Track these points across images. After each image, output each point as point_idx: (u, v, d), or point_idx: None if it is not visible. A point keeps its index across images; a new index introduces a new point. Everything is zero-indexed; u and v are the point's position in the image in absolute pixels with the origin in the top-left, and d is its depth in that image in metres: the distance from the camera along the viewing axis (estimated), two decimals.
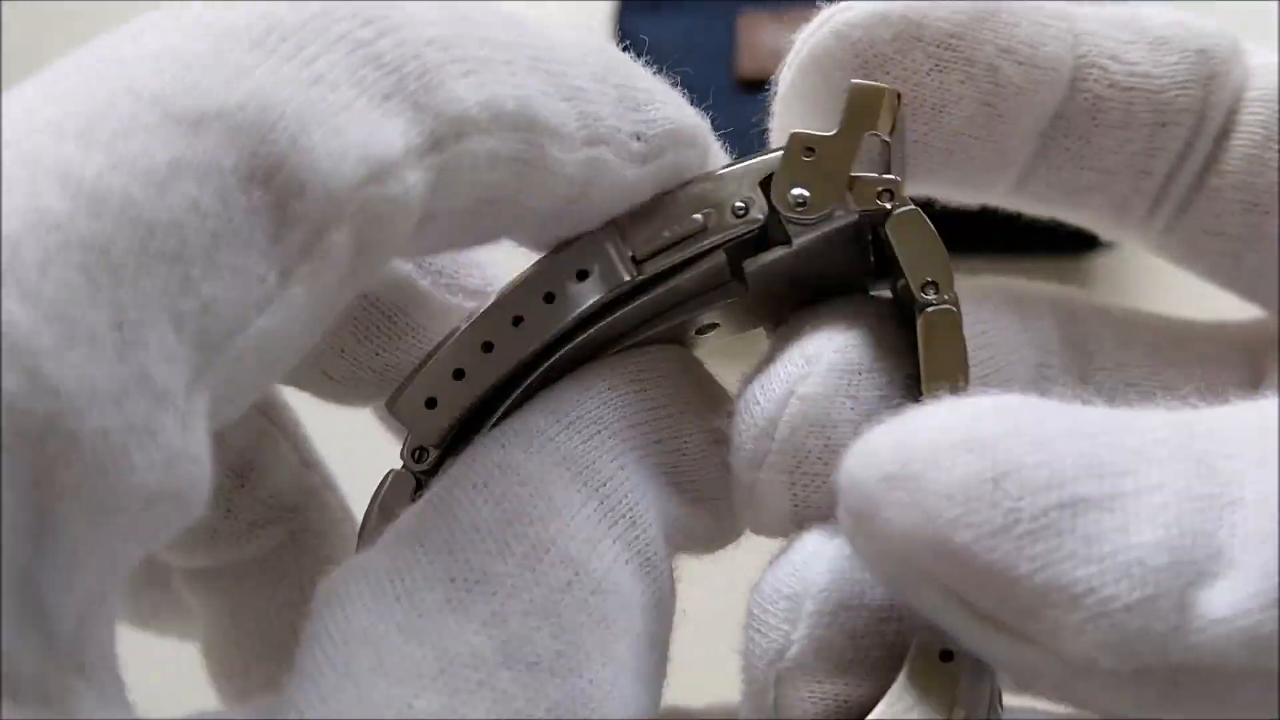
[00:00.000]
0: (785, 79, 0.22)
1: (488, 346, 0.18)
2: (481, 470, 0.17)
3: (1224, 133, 0.21)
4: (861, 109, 0.19)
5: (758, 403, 0.18)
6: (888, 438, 0.15)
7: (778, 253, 0.19)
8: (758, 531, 0.19)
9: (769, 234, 0.19)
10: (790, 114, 0.21)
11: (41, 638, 0.12)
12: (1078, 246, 0.49)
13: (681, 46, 0.55)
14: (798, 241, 0.18)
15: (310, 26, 0.14)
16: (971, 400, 0.16)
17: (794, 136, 0.19)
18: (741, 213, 0.18)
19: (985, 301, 0.21)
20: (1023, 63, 0.20)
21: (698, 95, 0.62)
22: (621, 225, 0.18)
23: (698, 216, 0.18)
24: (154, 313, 0.12)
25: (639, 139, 0.18)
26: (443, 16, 0.15)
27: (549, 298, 0.18)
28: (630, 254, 0.18)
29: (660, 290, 0.19)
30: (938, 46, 0.20)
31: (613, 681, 0.16)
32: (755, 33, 0.55)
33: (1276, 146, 0.20)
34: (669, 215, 0.18)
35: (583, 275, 0.18)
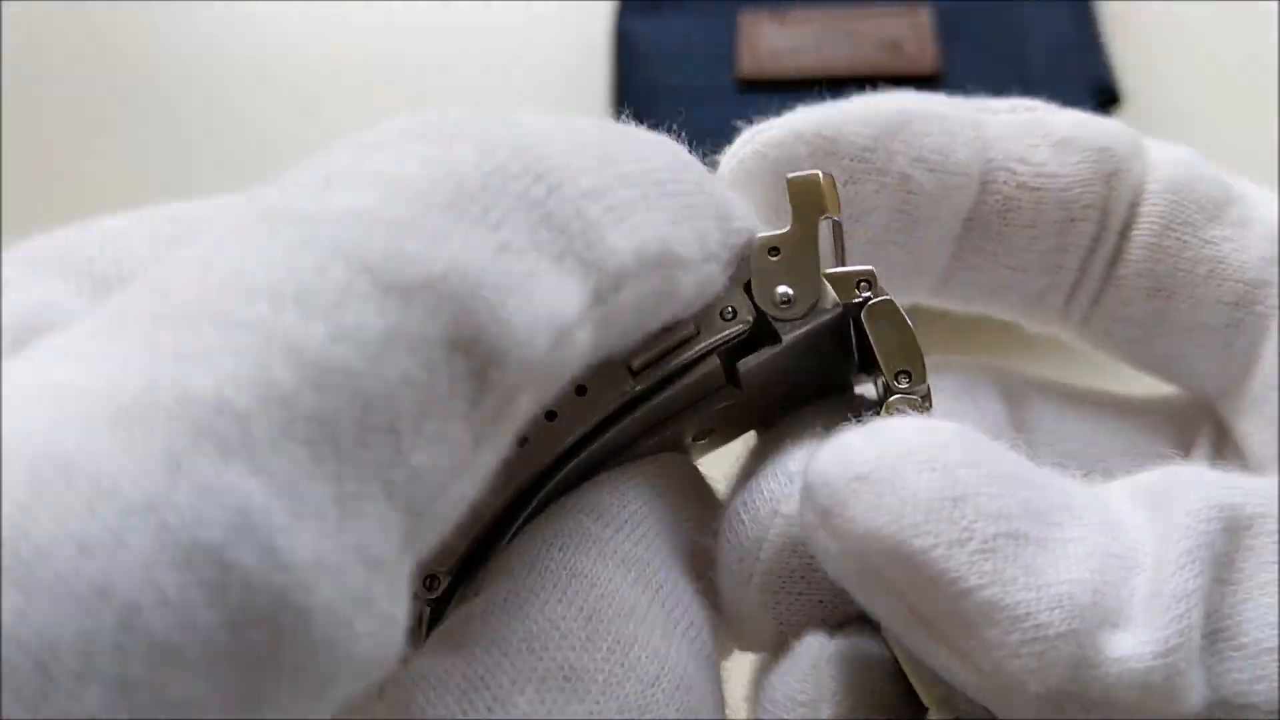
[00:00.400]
0: (726, 180, 0.23)
1: (580, 390, 0.18)
2: (548, 571, 0.17)
3: (1127, 225, 0.22)
4: (806, 199, 0.19)
5: (742, 522, 0.18)
6: (860, 442, 0.16)
7: (767, 352, 0.19)
8: (742, 648, 0.19)
9: (757, 336, 0.19)
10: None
11: None
12: None
13: (681, 46, 0.55)
14: (787, 339, 0.19)
15: (491, 187, 0.14)
16: (939, 423, 0.17)
17: (758, 241, 0.19)
18: (730, 316, 0.19)
19: (942, 392, 0.22)
20: (934, 170, 0.21)
21: (698, 95, 0.62)
22: None
23: (689, 324, 0.18)
24: (370, 484, 0.13)
25: (728, 248, 0.19)
26: (590, 160, 0.16)
27: (550, 415, 0.18)
28: (626, 365, 0.18)
29: (658, 400, 0.19)
30: (851, 160, 0.21)
31: None
32: (755, 33, 0.55)
33: (1174, 234, 0.21)
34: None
35: (581, 390, 0.18)
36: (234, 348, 0.12)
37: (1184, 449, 0.22)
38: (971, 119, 0.22)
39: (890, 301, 0.19)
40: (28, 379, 0.12)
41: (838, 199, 0.20)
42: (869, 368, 0.20)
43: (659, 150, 0.18)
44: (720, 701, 0.18)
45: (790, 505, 0.18)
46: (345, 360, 0.12)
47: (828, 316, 0.19)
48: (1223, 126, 0.55)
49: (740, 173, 0.22)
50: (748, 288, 0.19)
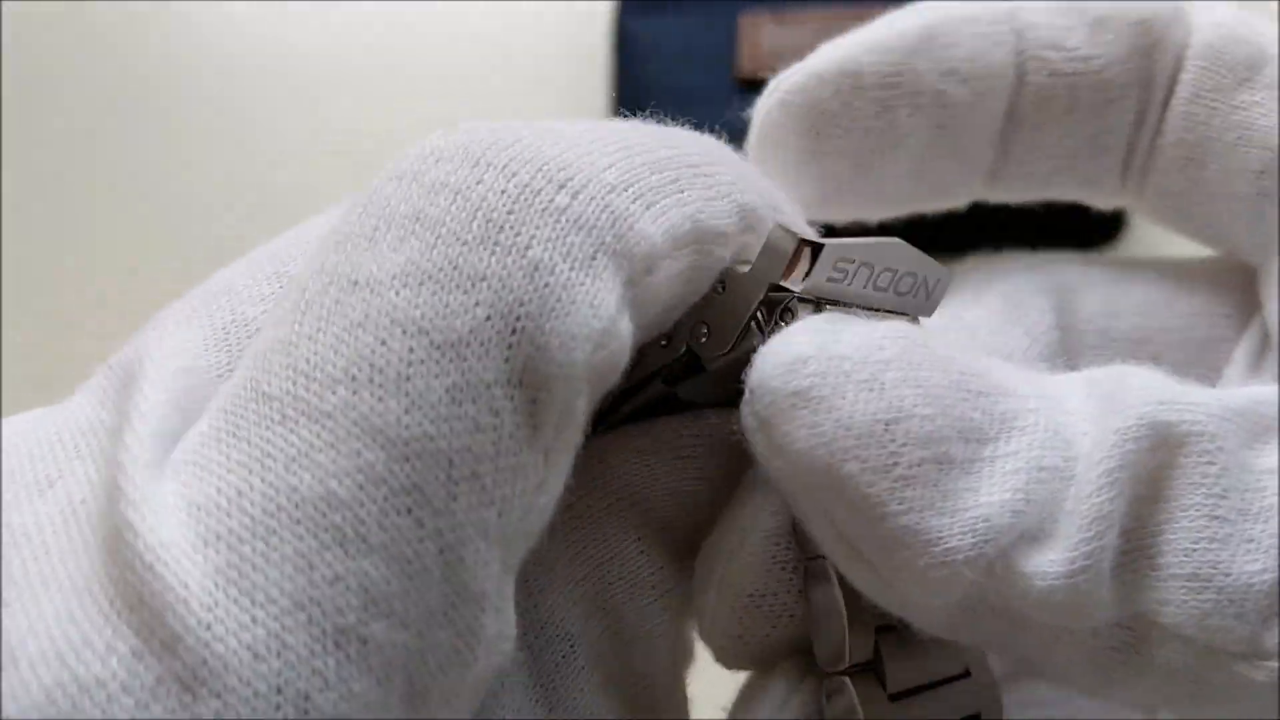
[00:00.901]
0: (749, 151, 0.23)
1: None
2: None
3: (1168, 95, 0.22)
4: (774, 254, 0.18)
5: (703, 564, 0.19)
6: (806, 350, 0.16)
7: (700, 377, 0.19)
8: (719, 660, 0.20)
9: (692, 359, 0.19)
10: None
11: None
12: (1084, 242, 0.49)
13: (681, 46, 0.55)
14: (711, 367, 0.19)
15: (518, 209, 0.15)
16: (887, 334, 0.17)
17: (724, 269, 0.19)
18: (664, 344, 0.19)
19: (979, 302, 0.22)
20: (967, 79, 0.21)
21: (698, 95, 0.62)
22: None
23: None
24: (466, 530, 0.14)
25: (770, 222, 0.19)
26: (612, 154, 0.16)
27: None
28: None
29: (611, 421, 0.19)
30: (880, 89, 0.21)
31: None
32: (755, 33, 0.55)
33: (1204, 101, 0.21)
34: None
35: None
36: (327, 440, 0.14)
37: (1244, 320, 0.22)
38: (1006, 10, 0.21)
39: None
40: (169, 501, 0.14)
41: (807, 271, 0.18)
42: None
43: (694, 138, 0.18)
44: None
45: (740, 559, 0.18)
46: (421, 427, 0.14)
47: (749, 348, 0.18)
48: None
49: (768, 125, 0.22)
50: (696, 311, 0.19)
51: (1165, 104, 0.21)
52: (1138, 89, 0.21)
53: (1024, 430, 0.17)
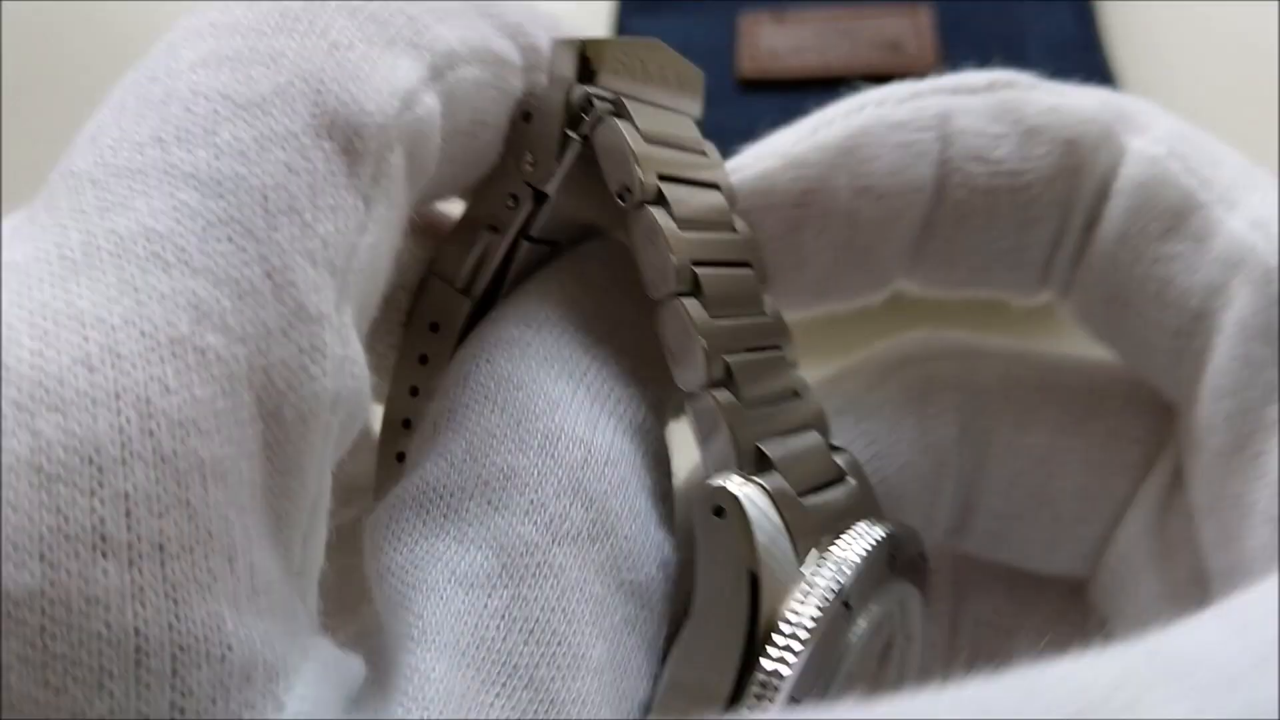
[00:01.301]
0: None
1: (434, 327, 0.20)
2: (479, 384, 0.18)
3: (1091, 222, 0.21)
4: (561, 60, 0.20)
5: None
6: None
7: (551, 208, 0.19)
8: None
9: (539, 199, 0.20)
10: None
11: (282, 554, 0.15)
12: None
13: (681, 46, 0.55)
14: (553, 191, 0.19)
15: (314, 7, 0.17)
16: None
17: (516, 104, 0.19)
18: (511, 205, 0.19)
19: (881, 411, 0.21)
20: (883, 196, 0.20)
21: None
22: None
23: (484, 229, 0.20)
24: (292, 256, 0.15)
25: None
26: None
27: (423, 359, 0.20)
28: (455, 289, 0.20)
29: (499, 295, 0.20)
30: (790, 208, 0.20)
31: (642, 530, 0.17)
32: (755, 33, 0.55)
33: (1129, 245, 0.20)
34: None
35: (434, 327, 0.20)
36: (140, 189, 0.15)
37: (1155, 446, 0.21)
38: (937, 114, 0.21)
39: (611, 123, 0.19)
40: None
41: (612, 58, 0.20)
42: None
43: None
44: (658, 460, 0.19)
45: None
46: (232, 168, 0.15)
47: (572, 157, 0.19)
48: (1223, 126, 0.55)
49: None
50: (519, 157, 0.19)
51: (1087, 230, 0.20)
52: (1058, 209, 0.20)
53: None
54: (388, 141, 0.16)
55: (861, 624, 0.17)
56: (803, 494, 0.18)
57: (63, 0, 0.63)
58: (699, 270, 0.18)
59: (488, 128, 0.19)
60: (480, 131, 0.19)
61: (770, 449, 0.18)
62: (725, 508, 0.17)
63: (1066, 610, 0.23)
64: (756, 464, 0.18)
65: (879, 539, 0.18)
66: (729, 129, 0.62)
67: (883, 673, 0.19)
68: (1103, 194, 0.20)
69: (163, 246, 0.14)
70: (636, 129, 0.19)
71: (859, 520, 0.18)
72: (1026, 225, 0.21)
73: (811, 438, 0.19)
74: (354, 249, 0.16)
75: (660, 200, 0.19)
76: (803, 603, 0.16)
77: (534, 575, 0.16)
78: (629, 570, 0.17)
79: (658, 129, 0.20)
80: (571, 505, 0.17)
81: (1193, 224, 0.20)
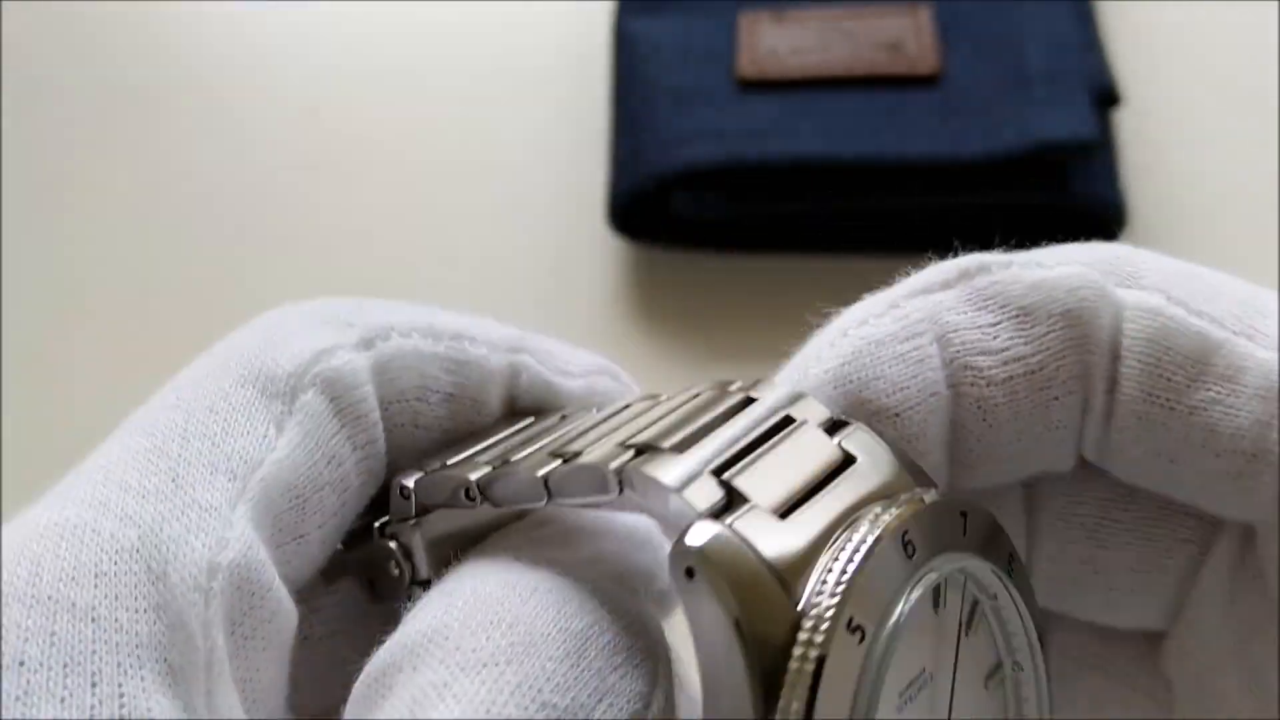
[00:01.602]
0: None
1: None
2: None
3: (1112, 383, 0.20)
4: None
5: None
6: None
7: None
8: None
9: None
10: None
11: (181, 702, 0.16)
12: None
13: (681, 46, 0.55)
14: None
15: (280, 311, 0.21)
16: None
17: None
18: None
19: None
20: (899, 414, 0.19)
21: (698, 95, 0.62)
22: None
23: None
24: (195, 466, 0.18)
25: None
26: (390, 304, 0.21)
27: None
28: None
29: None
30: None
31: None
32: (755, 32, 0.55)
33: (1158, 402, 0.19)
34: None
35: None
36: (110, 440, 0.19)
37: (1208, 538, 0.21)
38: (923, 317, 0.20)
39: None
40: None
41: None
42: None
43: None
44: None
45: None
46: (169, 418, 0.19)
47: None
48: (1223, 126, 0.55)
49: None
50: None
51: (1110, 394, 0.20)
52: (1079, 383, 0.19)
53: None
54: (299, 384, 0.19)
55: (901, 610, 0.16)
56: (788, 511, 0.16)
57: (63, 0, 0.63)
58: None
59: (461, 400, 0.21)
60: (434, 401, 0.21)
61: (739, 479, 0.16)
62: (693, 567, 0.15)
63: (1147, 655, 0.22)
64: (725, 503, 0.16)
65: (888, 525, 0.16)
66: (729, 129, 0.62)
67: (974, 635, 0.18)
68: (1115, 356, 0.20)
69: (106, 474, 0.18)
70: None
71: (877, 504, 0.17)
72: (1050, 405, 0.20)
73: (799, 436, 0.18)
74: (260, 462, 0.18)
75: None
76: (808, 635, 0.15)
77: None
78: None
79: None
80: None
81: (1218, 365, 0.19)
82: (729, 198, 0.51)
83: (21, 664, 0.15)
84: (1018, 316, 0.20)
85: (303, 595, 0.20)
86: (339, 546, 0.20)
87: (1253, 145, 0.54)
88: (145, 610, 0.16)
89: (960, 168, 0.50)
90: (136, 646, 0.16)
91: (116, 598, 0.16)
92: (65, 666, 0.16)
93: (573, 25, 0.61)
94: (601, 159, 0.55)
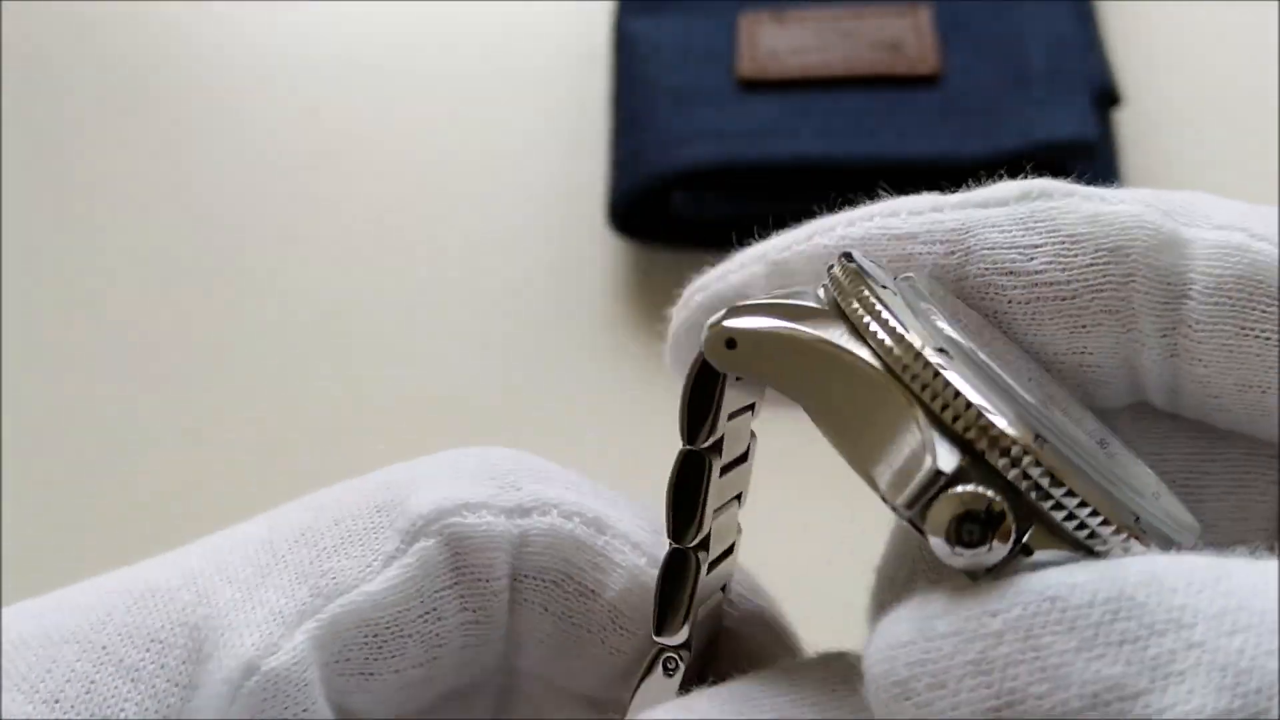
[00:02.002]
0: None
1: None
2: None
3: (1169, 328, 0.19)
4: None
5: None
6: (900, 635, 0.15)
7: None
8: None
9: None
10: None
11: None
12: None
13: (681, 46, 0.55)
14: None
15: (445, 458, 0.20)
16: (996, 599, 0.15)
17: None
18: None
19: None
20: None
21: (698, 95, 0.62)
22: None
23: None
24: (289, 572, 0.18)
25: None
26: (550, 467, 0.21)
27: None
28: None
29: None
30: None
31: None
32: (755, 33, 0.54)
33: (1250, 334, 0.19)
34: None
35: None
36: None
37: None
38: (954, 228, 0.20)
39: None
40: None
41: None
42: None
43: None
44: None
45: None
46: (305, 519, 0.20)
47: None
48: (1223, 126, 0.55)
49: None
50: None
51: (1172, 333, 0.19)
52: (1113, 319, 0.19)
53: (1184, 676, 0.14)
54: (424, 529, 0.19)
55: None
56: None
57: (63, 1, 0.63)
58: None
59: (598, 599, 0.20)
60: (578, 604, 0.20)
61: None
62: (735, 340, 0.17)
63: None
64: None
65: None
66: (729, 129, 0.62)
67: None
68: (1179, 295, 0.19)
69: (216, 550, 0.19)
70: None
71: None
72: (1077, 334, 0.19)
73: None
74: (350, 588, 0.18)
75: None
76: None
77: None
78: None
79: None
80: None
81: None
82: (729, 198, 0.51)
83: (56, 701, 0.17)
84: (1064, 243, 0.19)
85: None
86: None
87: (1253, 145, 0.54)
88: (182, 686, 0.17)
89: (960, 168, 0.50)
90: (162, 717, 0.17)
91: (162, 666, 0.17)
92: (92, 715, 0.17)
93: (573, 25, 0.61)
94: (601, 159, 0.55)
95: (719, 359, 0.18)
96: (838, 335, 0.17)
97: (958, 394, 0.15)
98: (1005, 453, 0.15)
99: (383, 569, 0.19)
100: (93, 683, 0.17)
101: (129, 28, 0.63)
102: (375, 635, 0.19)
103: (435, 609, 0.19)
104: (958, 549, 0.15)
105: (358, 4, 0.63)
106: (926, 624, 0.15)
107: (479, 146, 0.58)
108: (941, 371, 0.16)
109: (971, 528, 0.15)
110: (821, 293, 0.18)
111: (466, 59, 0.61)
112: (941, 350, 0.16)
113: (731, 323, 0.18)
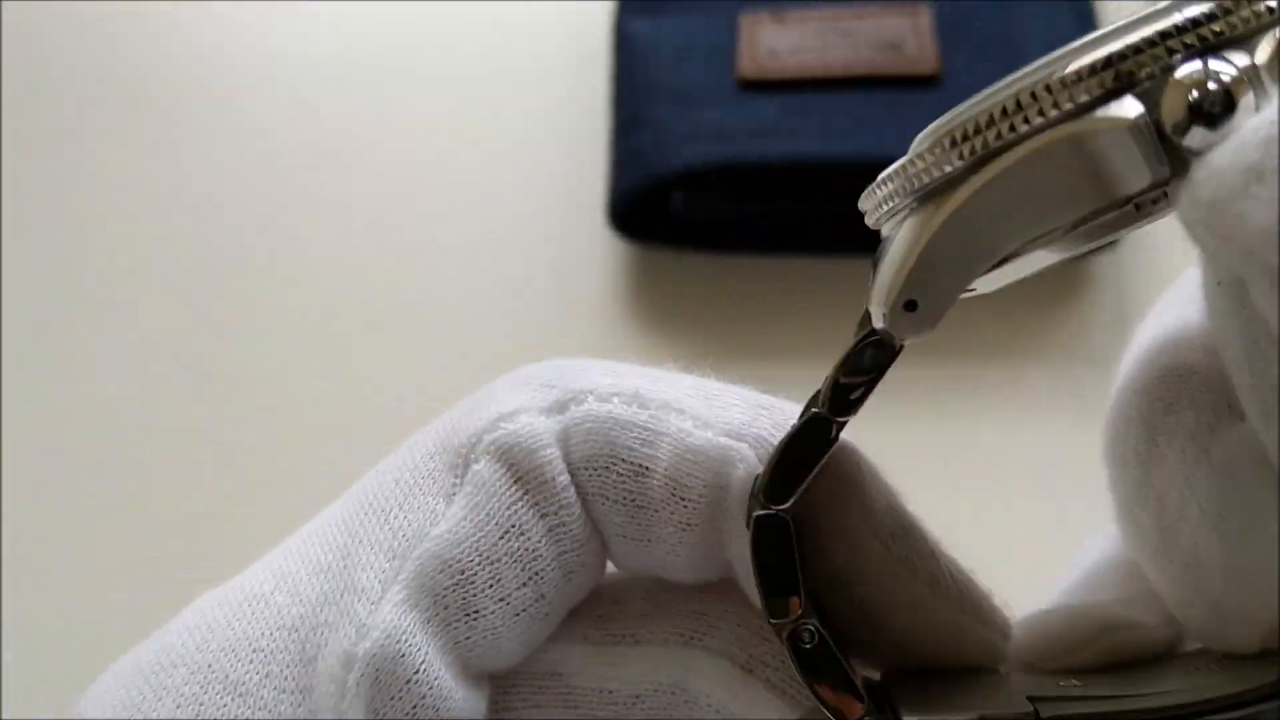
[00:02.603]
0: None
1: None
2: None
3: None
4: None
5: None
6: (1258, 134, 0.14)
7: None
8: None
9: None
10: None
11: None
12: None
13: (681, 46, 0.55)
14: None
15: (511, 375, 0.20)
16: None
17: None
18: None
19: None
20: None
21: (698, 95, 0.62)
22: None
23: None
24: (366, 543, 0.18)
25: None
26: (610, 364, 0.19)
27: None
28: None
29: None
30: None
31: None
32: (755, 33, 0.55)
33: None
34: None
35: None
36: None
37: None
38: None
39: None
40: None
41: None
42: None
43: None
44: None
45: None
46: (363, 487, 0.19)
47: None
48: None
49: None
50: None
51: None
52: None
53: None
54: (473, 453, 0.18)
55: None
56: None
57: (63, 1, 0.63)
58: None
59: (653, 475, 0.18)
60: (626, 473, 0.19)
61: None
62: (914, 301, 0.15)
63: None
64: None
65: None
66: (729, 129, 0.62)
67: None
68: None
69: (301, 542, 0.19)
70: None
71: None
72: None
73: None
74: (421, 538, 0.18)
75: None
76: None
77: None
78: None
79: None
80: None
81: None
82: (729, 198, 0.51)
83: None
84: None
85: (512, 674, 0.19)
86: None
87: None
88: (292, 691, 0.17)
89: None
90: None
91: (267, 675, 0.17)
92: None
93: (573, 25, 0.61)
94: (601, 159, 0.55)
95: (901, 329, 0.16)
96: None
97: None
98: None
99: (446, 508, 0.18)
100: (200, 704, 0.17)
101: (129, 28, 0.63)
102: (463, 573, 0.18)
103: (514, 525, 0.18)
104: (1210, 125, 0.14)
105: (358, 4, 0.63)
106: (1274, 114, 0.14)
107: (479, 146, 0.58)
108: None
109: (1210, 96, 0.14)
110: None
111: (466, 59, 0.61)
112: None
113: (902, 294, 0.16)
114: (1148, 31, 0.14)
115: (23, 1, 0.63)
